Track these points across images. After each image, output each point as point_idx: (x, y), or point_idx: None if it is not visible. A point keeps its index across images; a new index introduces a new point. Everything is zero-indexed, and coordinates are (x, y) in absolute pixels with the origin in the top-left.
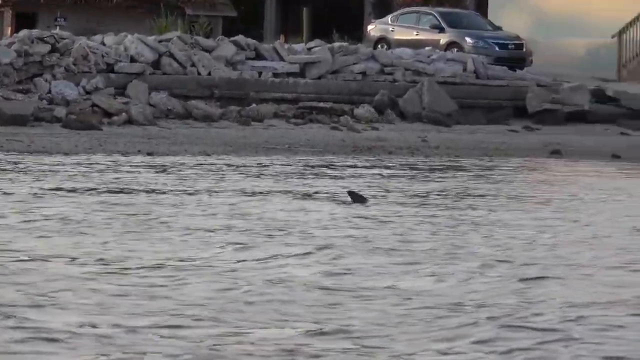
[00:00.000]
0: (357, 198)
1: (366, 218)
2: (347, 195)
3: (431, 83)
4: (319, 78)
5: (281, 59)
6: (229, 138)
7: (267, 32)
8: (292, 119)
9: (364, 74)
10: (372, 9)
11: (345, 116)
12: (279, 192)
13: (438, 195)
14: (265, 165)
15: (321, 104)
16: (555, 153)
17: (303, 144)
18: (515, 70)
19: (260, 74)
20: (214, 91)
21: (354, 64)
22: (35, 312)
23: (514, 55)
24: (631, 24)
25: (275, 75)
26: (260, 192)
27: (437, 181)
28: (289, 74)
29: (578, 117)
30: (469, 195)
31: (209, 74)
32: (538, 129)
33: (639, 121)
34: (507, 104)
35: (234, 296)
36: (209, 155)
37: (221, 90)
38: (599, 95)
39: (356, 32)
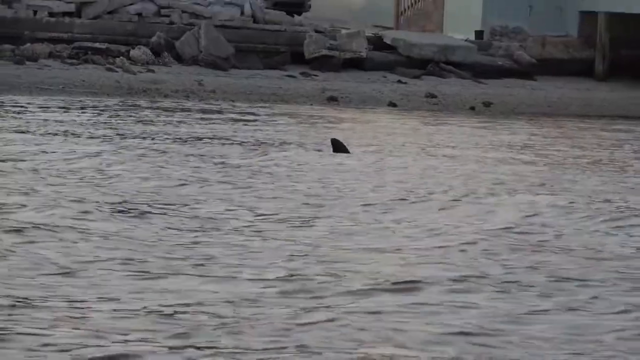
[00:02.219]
0: (339, 147)
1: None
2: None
3: (208, 26)
4: (96, 18)
5: None
6: (2, 77)
7: None
8: (68, 60)
9: (140, 15)
10: None
11: (121, 57)
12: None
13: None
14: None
15: (97, 45)
16: (332, 100)
17: (78, 84)
18: (294, 16)
19: (35, 12)
20: None
21: (131, 4)
22: None
23: (292, 0)
24: None
25: (51, 14)
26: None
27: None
28: (65, 14)
29: (356, 64)
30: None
31: None
32: (315, 75)
33: (416, 69)
34: (285, 49)
35: None
36: None
37: None
38: (376, 43)
39: None
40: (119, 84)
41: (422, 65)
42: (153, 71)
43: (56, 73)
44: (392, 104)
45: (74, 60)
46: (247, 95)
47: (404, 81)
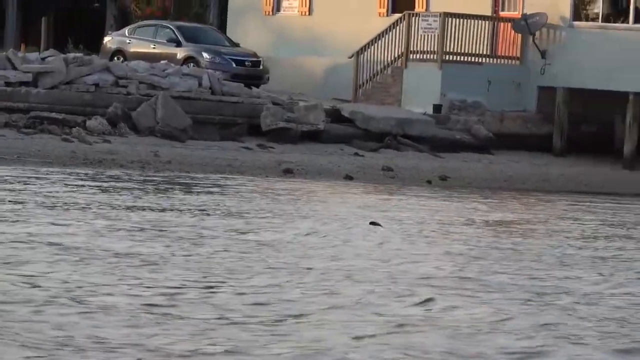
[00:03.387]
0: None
1: None
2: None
3: (165, 97)
4: (53, 88)
5: (14, 67)
6: None
7: (7, 40)
8: (24, 129)
9: (97, 85)
10: (114, 21)
11: (77, 128)
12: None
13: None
14: None
15: (53, 115)
16: (288, 172)
17: (33, 154)
18: (252, 88)
19: None
20: None
21: (88, 75)
22: None
23: (251, 72)
24: (368, 45)
25: (8, 84)
26: None
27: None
28: (22, 83)
29: (313, 136)
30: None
31: None
32: (272, 148)
33: (373, 142)
34: (242, 121)
35: None
36: None
37: None
38: (334, 116)
39: (99, 45)
40: (75, 154)
41: (379, 138)
42: (109, 142)
43: (11, 143)
44: (349, 177)
45: (30, 130)
46: (203, 166)
47: (361, 154)
